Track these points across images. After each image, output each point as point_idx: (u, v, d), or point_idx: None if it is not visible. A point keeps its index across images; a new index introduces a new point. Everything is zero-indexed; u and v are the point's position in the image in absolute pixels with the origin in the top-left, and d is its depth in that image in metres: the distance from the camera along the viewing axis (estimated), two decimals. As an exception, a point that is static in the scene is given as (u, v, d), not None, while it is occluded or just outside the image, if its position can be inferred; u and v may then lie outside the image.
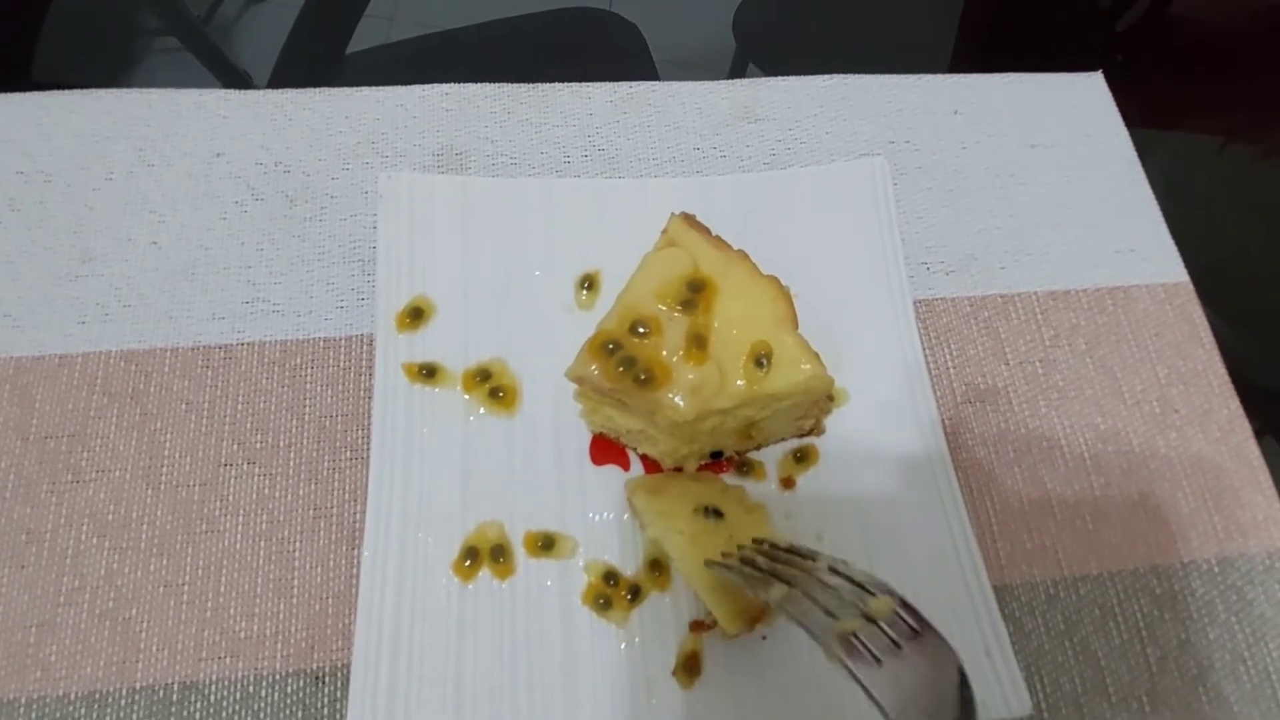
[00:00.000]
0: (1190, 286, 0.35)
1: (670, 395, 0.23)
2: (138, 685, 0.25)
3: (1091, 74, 0.40)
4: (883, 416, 0.29)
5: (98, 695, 0.25)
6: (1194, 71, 0.55)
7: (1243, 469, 0.32)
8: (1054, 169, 0.37)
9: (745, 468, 0.29)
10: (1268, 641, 0.29)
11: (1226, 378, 0.33)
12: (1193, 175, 0.47)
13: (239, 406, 0.29)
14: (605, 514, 0.28)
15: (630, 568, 0.27)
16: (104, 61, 0.51)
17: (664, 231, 0.26)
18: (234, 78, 0.59)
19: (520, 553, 0.27)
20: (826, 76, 0.38)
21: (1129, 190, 0.37)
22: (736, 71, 0.63)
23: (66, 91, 0.34)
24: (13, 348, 0.29)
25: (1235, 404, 0.33)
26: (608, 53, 0.59)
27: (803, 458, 0.29)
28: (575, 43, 0.60)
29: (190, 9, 0.62)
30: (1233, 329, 0.36)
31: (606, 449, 0.29)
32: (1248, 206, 0.46)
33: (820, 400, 0.26)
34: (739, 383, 0.23)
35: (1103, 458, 0.32)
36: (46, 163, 0.32)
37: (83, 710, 0.25)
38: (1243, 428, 0.33)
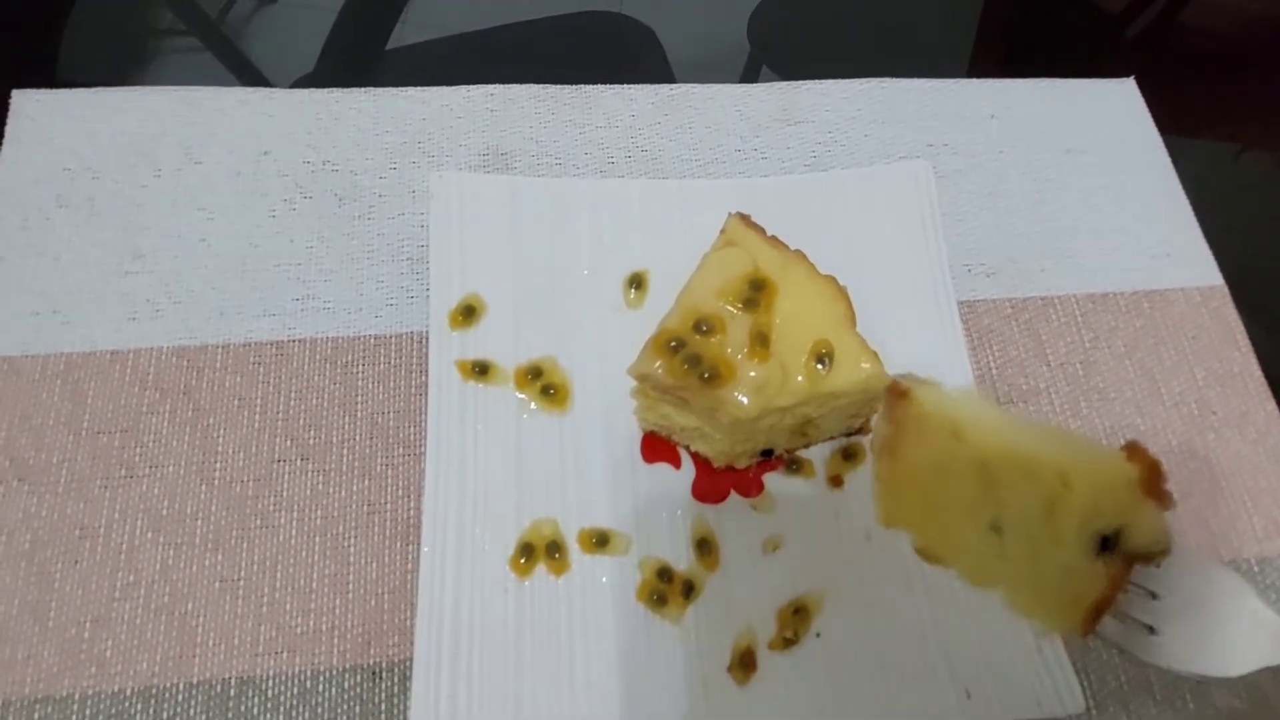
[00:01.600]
0: (1225, 291, 0.36)
1: (734, 393, 0.23)
2: (194, 680, 0.25)
3: (1124, 80, 0.40)
4: (930, 416, 0.30)
5: (154, 691, 0.25)
6: (1205, 78, 0.55)
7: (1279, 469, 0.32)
8: (1090, 174, 0.37)
9: (794, 465, 0.29)
10: (1309, 642, 0.29)
11: (1263, 380, 0.34)
12: (1216, 181, 0.47)
13: (291, 402, 0.29)
14: (658, 512, 0.28)
15: (683, 564, 0.27)
16: (121, 60, 0.51)
17: (722, 231, 0.26)
18: (252, 77, 0.59)
19: (575, 549, 0.27)
20: (863, 80, 0.38)
21: (1164, 195, 0.38)
22: (750, 75, 0.63)
23: (112, 89, 0.34)
24: (63, 344, 0.29)
25: (1271, 406, 0.33)
26: (624, 55, 0.59)
27: (851, 456, 0.29)
28: (592, 45, 0.60)
29: (206, 10, 0.63)
30: (1269, 334, 0.36)
31: (657, 447, 0.29)
32: (1272, 213, 0.46)
33: (875, 399, 0.27)
34: (800, 380, 0.24)
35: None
36: (94, 160, 0.33)
37: (139, 706, 0.25)
38: (1279, 429, 0.33)
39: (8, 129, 0.33)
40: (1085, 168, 0.38)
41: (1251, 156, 0.52)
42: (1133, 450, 0.19)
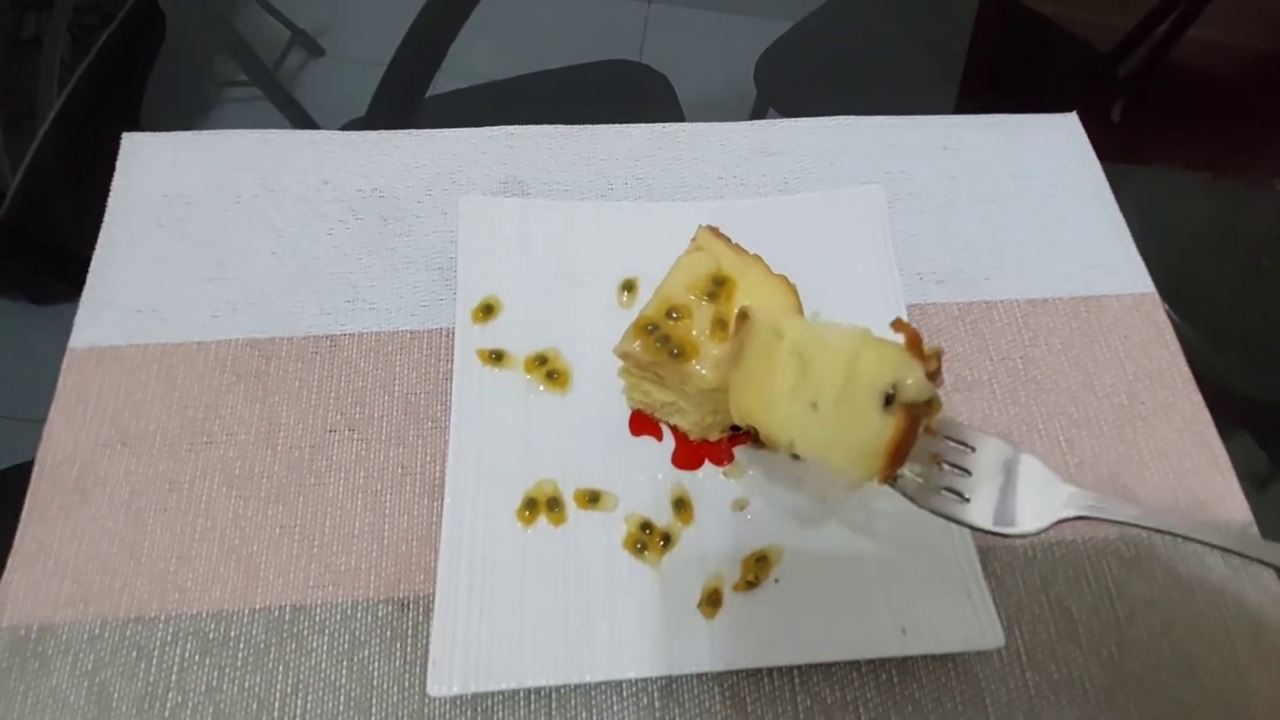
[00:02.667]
0: (1156, 297, 0.40)
1: (697, 367, 0.29)
2: (257, 606, 0.31)
3: (1066, 114, 0.45)
4: (879, 399, 0.34)
5: (224, 614, 0.31)
6: (1191, 113, 0.60)
7: (1204, 453, 0.36)
8: (1033, 196, 0.42)
9: (760, 440, 0.34)
10: (1225, 602, 0.33)
11: (1189, 376, 0.38)
12: (1159, 202, 0.51)
13: (341, 384, 0.35)
14: (641, 476, 0.33)
15: (663, 520, 0.32)
16: (190, 107, 0.60)
17: (693, 239, 0.32)
18: (302, 118, 0.67)
19: (571, 505, 0.32)
20: (831, 119, 0.44)
21: (1100, 215, 0.42)
22: (757, 114, 0.69)
23: (201, 131, 0.42)
24: (160, 335, 0.36)
25: (1197, 398, 0.37)
26: (641, 98, 0.66)
27: (810, 433, 0.34)
28: (612, 90, 0.67)
29: (265, 62, 0.71)
30: (1197, 335, 0.40)
31: (643, 423, 0.34)
32: (1230, 235, 0.51)
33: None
34: (754, 358, 0.29)
35: (1076, 441, 0.36)
36: (187, 188, 0.40)
37: (211, 626, 0.30)
38: (1203, 419, 0.37)
39: (119, 163, 0.40)
40: (1029, 191, 0.43)
41: (1223, 184, 0.56)
42: (899, 325, 0.25)
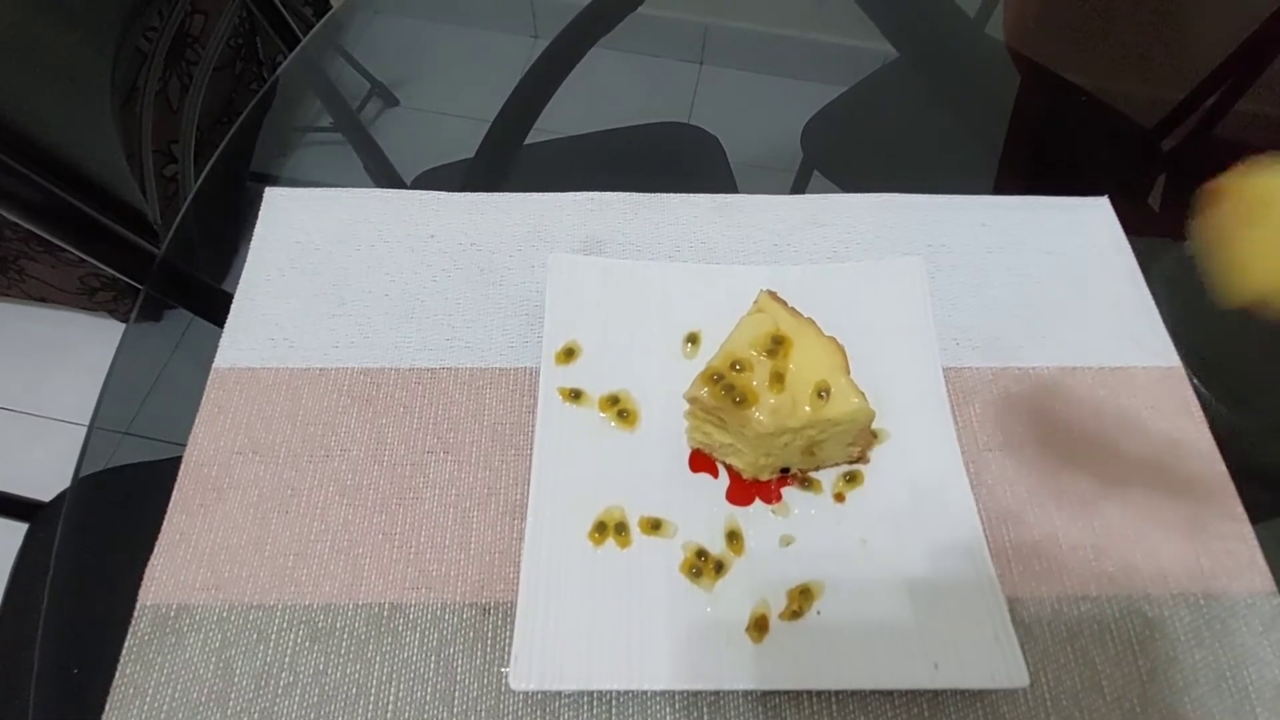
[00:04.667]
0: (1183, 371, 0.43)
1: (756, 413, 0.33)
2: (360, 603, 0.35)
3: (1099, 198, 0.49)
4: (916, 452, 0.38)
5: (332, 606, 0.35)
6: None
7: (1228, 522, 0.38)
8: (1065, 272, 0.46)
9: (807, 483, 0.37)
10: (1248, 667, 0.35)
11: (1214, 446, 0.40)
12: (1189, 278, 0.54)
13: (439, 412, 0.40)
14: (698, 508, 0.37)
15: (717, 549, 0.36)
16: (286, 154, 0.68)
17: (755, 302, 0.36)
18: (380, 162, 0.74)
19: (636, 530, 0.36)
20: (877, 195, 0.49)
21: (1130, 293, 0.45)
22: (803, 176, 0.74)
23: (329, 189, 0.48)
24: (288, 361, 0.42)
25: (1222, 468, 0.40)
26: (692, 159, 0.72)
27: (851, 479, 0.37)
28: (666, 150, 0.73)
29: (352, 112, 0.80)
30: (1224, 408, 0.43)
31: (701, 461, 0.38)
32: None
33: (865, 430, 0.35)
34: (806, 408, 0.33)
35: (1102, 504, 0.39)
36: (316, 236, 0.46)
37: (321, 617, 0.35)
38: (1227, 489, 0.39)
39: (261, 213, 0.47)
40: (1062, 267, 0.46)
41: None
42: None
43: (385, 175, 0.65)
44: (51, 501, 0.63)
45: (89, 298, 1.09)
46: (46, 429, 1.11)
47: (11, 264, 1.05)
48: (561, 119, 0.70)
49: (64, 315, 1.16)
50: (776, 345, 0.34)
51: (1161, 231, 0.54)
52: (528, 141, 0.66)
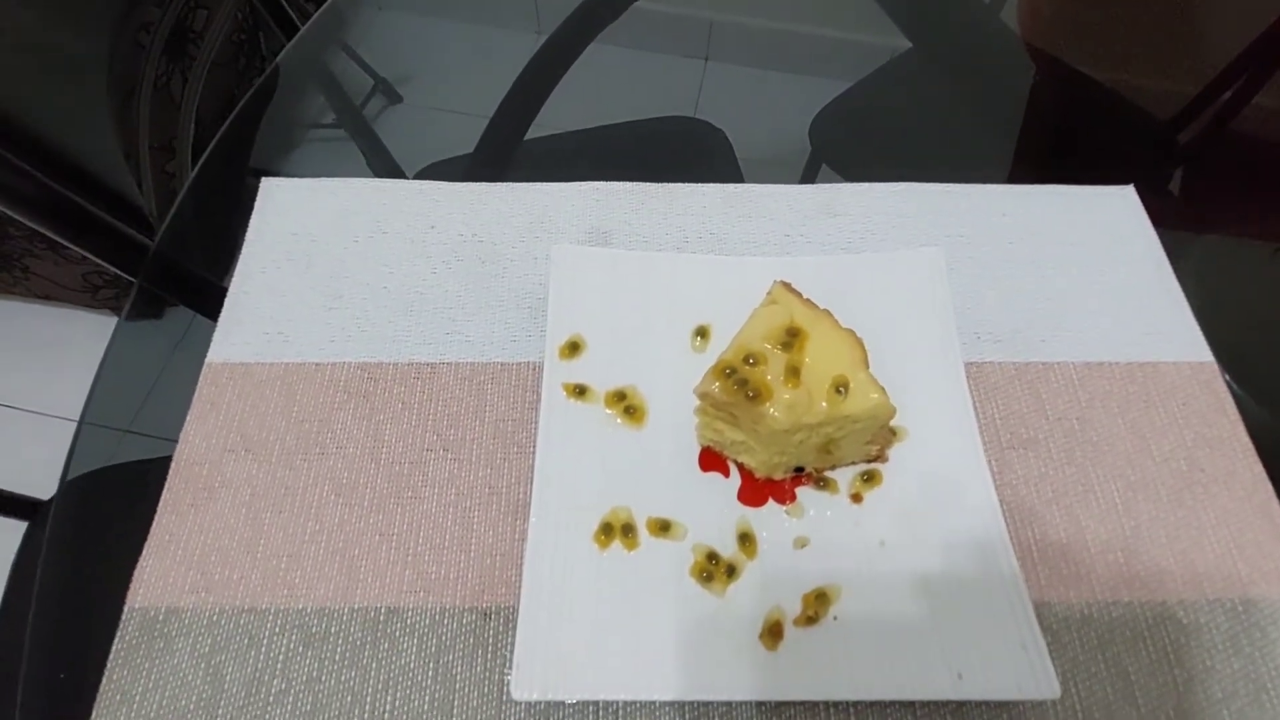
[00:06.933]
0: (1215, 366, 0.41)
1: (771, 409, 0.31)
2: (356, 606, 0.34)
3: (1124, 187, 0.47)
4: (936, 450, 0.36)
5: (326, 610, 0.34)
6: (1254, 181, 0.60)
7: (1266, 524, 0.36)
8: (1089, 263, 0.44)
9: (822, 482, 0.36)
10: (1291, 675, 0.33)
11: (1250, 445, 0.38)
12: (1243, 275, 0.52)
13: (438, 408, 0.39)
14: (709, 509, 0.35)
15: (728, 551, 0.34)
16: (284, 145, 0.66)
17: (769, 293, 0.35)
18: (385, 161, 0.73)
19: (643, 532, 0.34)
20: (895, 185, 0.47)
21: (1158, 284, 0.43)
22: (811, 170, 0.72)
23: (325, 179, 0.47)
24: (283, 355, 0.40)
25: (1259, 468, 0.38)
26: (699, 153, 0.70)
27: (869, 479, 0.36)
28: (672, 145, 0.72)
29: (351, 105, 0.78)
30: (1259, 405, 0.41)
31: (711, 459, 0.37)
32: (1266, 298, 0.51)
33: (884, 428, 0.34)
34: (823, 404, 0.31)
35: (1133, 504, 0.37)
36: (312, 228, 0.45)
37: (315, 621, 0.34)
38: (1265, 489, 0.37)
39: (256, 204, 0.46)
40: (1086, 258, 0.44)
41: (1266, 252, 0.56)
42: None
43: (387, 171, 0.63)
44: (49, 500, 0.62)
45: (92, 295, 1.09)
46: (48, 426, 1.10)
47: (15, 262, 1.04)
48: (566, 115, 0.68)
49: (67, 313, 1.16)
50: (791, 338, 0.33)
51: (1187, 223, 0.52)
52: (531, 136, 0.64)
